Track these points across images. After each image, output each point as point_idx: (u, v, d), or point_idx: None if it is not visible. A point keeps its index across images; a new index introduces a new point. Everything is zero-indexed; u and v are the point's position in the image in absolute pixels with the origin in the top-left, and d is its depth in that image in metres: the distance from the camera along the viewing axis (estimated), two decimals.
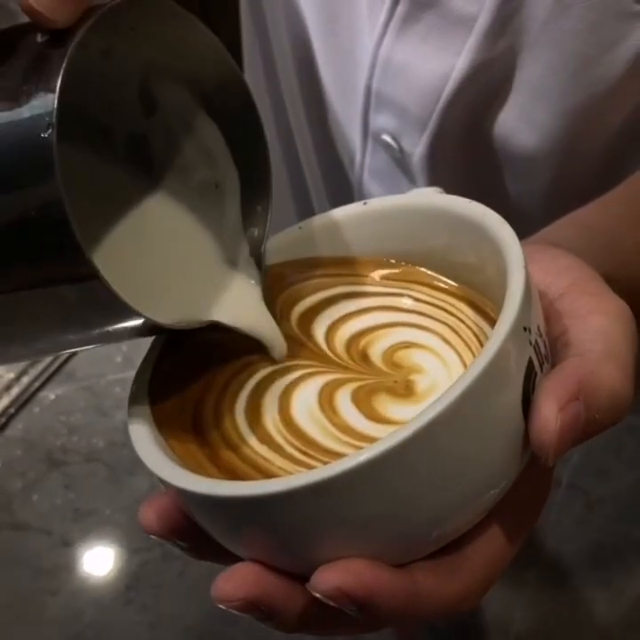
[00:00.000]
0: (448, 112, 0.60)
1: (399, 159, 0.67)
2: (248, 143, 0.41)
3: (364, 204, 0.43)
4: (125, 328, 0.34)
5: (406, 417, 0.36)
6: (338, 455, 0.35)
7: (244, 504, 0.32)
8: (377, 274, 0.44)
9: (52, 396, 0.79)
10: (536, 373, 0.34)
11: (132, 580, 0.65)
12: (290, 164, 0.84)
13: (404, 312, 0.42)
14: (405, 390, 0.37)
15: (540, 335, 0.35)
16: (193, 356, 0.40)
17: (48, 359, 0.81)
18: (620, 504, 0.65)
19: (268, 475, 0.35)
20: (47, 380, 0.80)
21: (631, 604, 0.60)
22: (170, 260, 0.40)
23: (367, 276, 0.44)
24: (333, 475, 0.30)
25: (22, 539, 0.69)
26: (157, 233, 0.40)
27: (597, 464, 0.67)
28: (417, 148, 0.64)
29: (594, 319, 0.37)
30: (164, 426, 0.37)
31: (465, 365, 0.38)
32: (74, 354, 0.82)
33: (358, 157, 0.71)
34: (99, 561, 0.67)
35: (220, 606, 0.33)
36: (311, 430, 0.37)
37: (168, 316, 0.35)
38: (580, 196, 0.54)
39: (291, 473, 0.35)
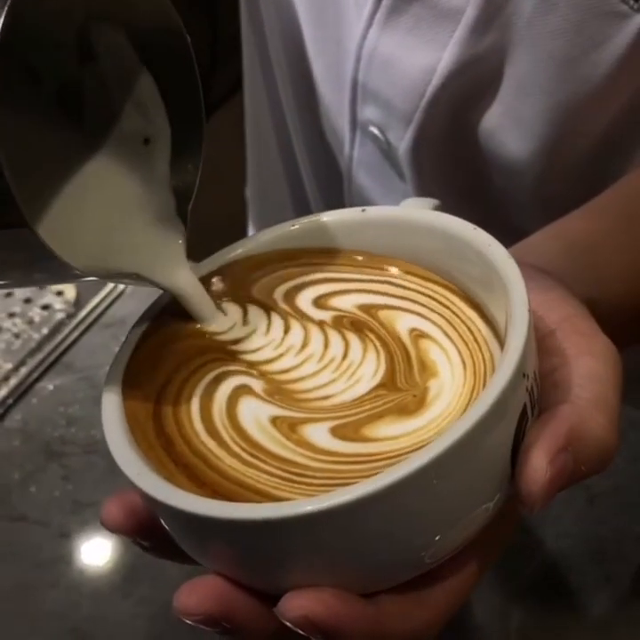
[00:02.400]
0: (433, 107, 0.60)
1: (386, 151, 0.67)
2: (183, 98, 0.40)
3: (363, 211, 0.43)
4: (46, 271, 0.35)
5: (394, 433, 0.35)
6: (289, 462, 0.34)
7: (217, 525, 0.31)
8: (364, 262, 0.43)
9: (51, 387, 0.79)
10: (527, 418, 0.34)
11: (130, 573, 0.65)
12: (284, 153, 0.84)
13: (397, 298, 0.42)
14: (417, 405, 0.36)
15: (535, 379, 0.35)
16: (171, 342, 0.40)
17: (47, 350, 0.81)
18: (621, 498, 0.64)
19: (218, 472, 0.34)
20: (45, 371, 0.80)
21: (632, 599, 0.60)
22: (95, 212, 0.40)
23: (353, 265, 0.43)
24: (313, 511, 0.30)
25: (20, 530, 0.68)
26: (85, 184, 0.40)
27: None
28: (402, 142, 0.64)
29: (584, 362, 0.37)
30: (131, 413, 0.37)
31: (464, 365, 0.37)
32: (72, 344, 0.81)
33: (347, 148, 0.71)
34: (97, 553, 0.67)
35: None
36: (256, 435, 0.36)
37: (85, 263, 0.34)
38: (565, 194, 0.54)
39: (241, 473, 0.34)
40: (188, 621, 0.33)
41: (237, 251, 0.44)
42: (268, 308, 0.42)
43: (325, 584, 0.32)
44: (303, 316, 0.41)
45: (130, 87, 0.41)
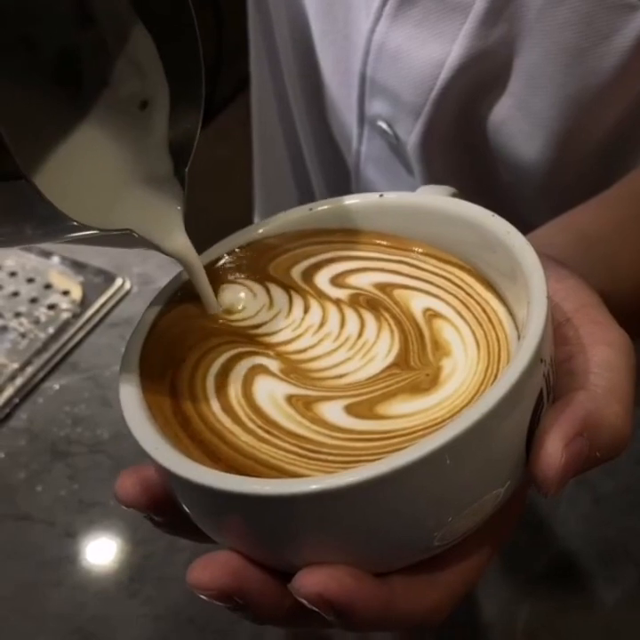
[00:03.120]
0: (442, 100, 0.60)
1: (395, 146, 0.67)
2: (181, 56, 0.40)
3: (381, 196, 0.43)
4: (39, 224, 0.34)
5: (407, 411, 0.35)
6: (304, 439, 0.35)
7: (231, 498, 0.32)
8: (382, 242, 0.44)
9: (57, 387, 0.79)
10: (543, 404, 0.34)
11: (135, 572, 0.65)
12: (291, 149, 0.84)
13: (412, 278, 0.42)
14: (430, 383, 0.36)
15: (552, 366, 0.35)
16: (188, 321, 0.40)
17: (53, 350, 0.81)
18: (627, 499, 0.64)
19: (234, 448, 0.35)
20: (51, 371, 0.80)
21: (638, 600, 0.60)
22: (92, 173, 0.39)
23: (371, 244, 0.44)
24: (333, 487, 0.30)
25: (26, 530, 0.68)
26: (82, 146, 0.39)
27: None
28: (411, 136, 0.64)
29: (599, 351, 0.37)
30: (148, 389, 0.37)
31: (478, 345, 0.38)
32: (78, 344, 0.82)
33: (355, 143, 0.71)
34: (103, 552, 0.67)
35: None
36: (271, 412, 0.37)
37: (80, 217, 0.34)
38: (574, 187, 0.54)
39: (257, 449, 0.35)
40: (202, 596, 0.33)
41: (256, 231, 0.44)
42: (286, 287, 0.42)
43: (337, 562, 0.33)
44: (321, 295, 0.42)
45: (127, 48, 0.40)
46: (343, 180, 0.77)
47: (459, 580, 0.36)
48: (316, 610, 0.32)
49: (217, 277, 0.42)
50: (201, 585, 0.33)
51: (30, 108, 0.38)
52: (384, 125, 0.66)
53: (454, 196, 0.43)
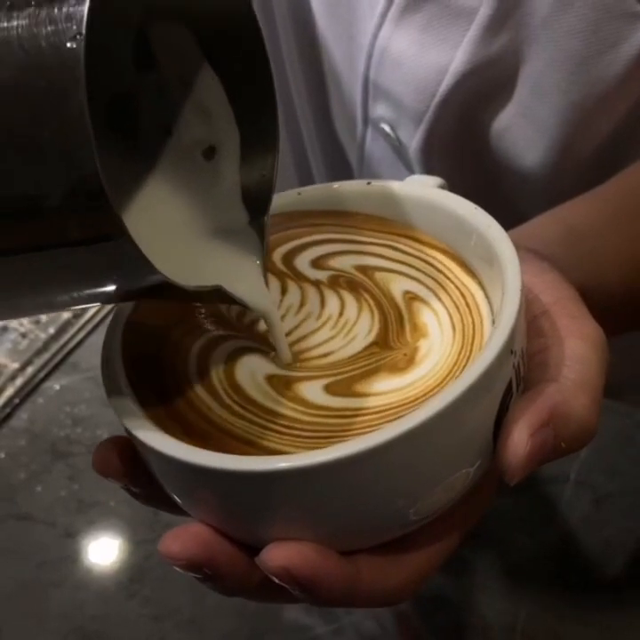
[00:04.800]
0: (444, 107, 0.60)
1: (397, 148, 0.67)
2: (254, 101, 0.37)
3: (368, 183, 0.44)
4: (140, 289, 0.32)
5: (384, 389, 0.36)
6: (279, 415, 0.35)
7: (202, 473, 0.32)
8: (366, 226, 0.44)
9: (57, 387, 0.79)
10: (512, 394, 0.35)
11: (135, 573, 0.65)
12: (295, 149, 0.84)
13: (394, 262, 0.42)
14: (407, 363, 0.37)
15: (522, 357, 0.36)
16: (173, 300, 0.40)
17: (53, 350, 0.81)
18: (628, 501, 0.64)
19: (208, 421, 0.35)
20: (52, 371, 0.80)
21: (638, 602, 0.60)
22: (166, 226, 0.37)
23: (355, 227, 0.44)
24: (301, 466, 0.31)
25: (26, 530, 0.68)
26: (151, 198, 0.37)
27: (606, 461, 0.66)
28: (413, 140, 0.64)
29: (572, 344, 0.38)
30: (129, 359, 0.37)
31: (454, 328, 0.38)
32: (79, 344, 0.82)
33: (358, 144, 0.71)
34: (102, 553, 0.67)
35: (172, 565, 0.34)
36: (250, 390, 0.37)
37: (172, 275, 0.32)
38: (574, 192, 0.54)
39: (231, 423, 0.35)
40: (176, 567, 0.34)
41: None
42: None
43: (308, 539, 0.33)
44: (300, 277, 0.42)
45: (191, 91, 0.37)
46: (346, 179, 0.77)
47: (424, 562, 0.37)
48: (282, 584, 0.33)
49: None
50: (171, 554, 0.34)
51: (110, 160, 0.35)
52: (387, 128, 0.66)
53: (442, 187, 0.43)
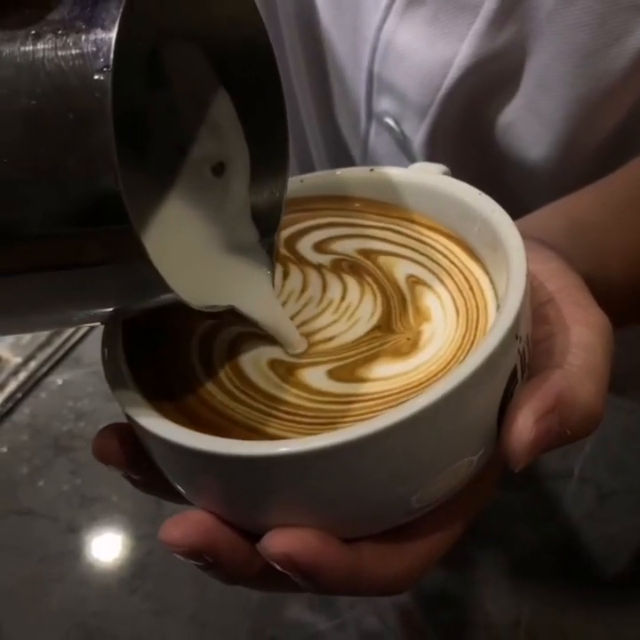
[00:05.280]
0: (449, 101, 0.60)
1: (402, 142, 0.67)
2: (265, 120, 0.38)
3: (371, 170, 0.44)
4: (152, 305, 0.33)
5: (387, 374, 0.36)
6: (281, 401, 0.35)
7: (205, 458, 0.32)
8: (369, 210, 0.44)
9: (60, 382, 0.79)
10: (517, 381, 0.35)
11: (137, 568, 0.65)
12: (297, 144, 0.84)
13: (397, 245, 0.42)
14: (410, 347, 0.37)
15: (528, 343, 0.36)
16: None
17: (56, 344, 0.81)
18: (632, 498, 0.64)
19: (209, 407, 0.35)
20: (54, 365, 0.80)
21: None
22: (177, 244, 0.37)
23: (358, 211, 0.44)
24: (303, 451, 0.31)
25: (28, 525, 0.68)
26: (162, 216, 0.37)
27: (610, 456, 0.66)
28: (417, 134, 0.64)
29: (578, 331, 0.37)
30: (131, 346, 0.37)
31: (457, 312, 0.38)
32: (81, 339, 0.82)
33: (362, 138, 0.71)
34: (105, 548, 0.67)
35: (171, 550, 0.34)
36: (252, 375, 0.37)
37: (186, 295, 0.32)
38: (578, 184, 0.54)
39: (232, 409, 0.35)
40: (177, 555, 0.34)
41: None
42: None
43: (309, 526, 0.33)
44: (302, 261, 0.42)
45: (203, 108, 0.38)
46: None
47: (427, 550, 0.37)
48: (283, 570, 0.33)
49: None
50: (172, 541, 0.34)
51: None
52: (391, 122, 0.66)
53: (446, 174, 0.43)
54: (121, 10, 0.27)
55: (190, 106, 0.38)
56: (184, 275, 0.35)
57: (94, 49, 0.26)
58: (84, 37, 0.27)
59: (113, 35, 0.26)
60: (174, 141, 0.38)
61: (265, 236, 0.39)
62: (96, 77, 0.26)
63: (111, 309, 0.33)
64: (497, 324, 0.33)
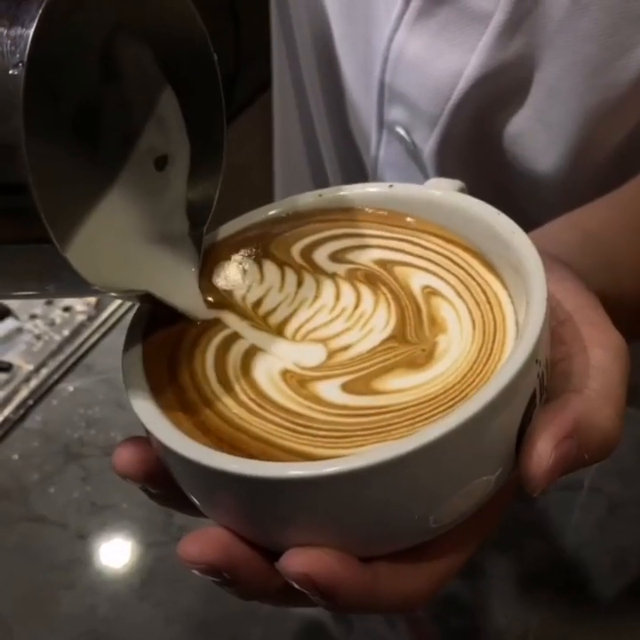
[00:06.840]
0: (459, 111, 0.60)
1: (412, 152, 0.67)
2: (204, 115, 0.40)
3: (390, 186, 0.44)
4: (60, 283, 0.34)
5: (402, 386, 0.36)
6: (296, 414, 0.35)
7: (224, 477, 0.32)
8: (387, 222, 0.44)
9: (71, 389, 0.79)
10: (536, 404, 0.35)
11: (147, 575, 0.65)
12: (311, 153, 0.85)
13: (414, 256, 0.42)
14: (425, 359, 0.37)
15: (546, 367, 0.36)
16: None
17: (68, 352, 0.81)
18: None
19: (224, 419, 0.35)
20: (66, 373, 0.80)
21: None
22: (110, 231, 0.39)
23: (376, 222, 0.44)
24: (319, 474, 0.31)
25: (38, 531, 0.68)
26: (100, 203, 0.39)
27: (620, 467, 0.66)
28: (427, 144, 0.64)
29: (594, 353, 0.38)
30: (148, 358, 0.38)
31: (474, 324, 0.38)
32: (93, 346, 0.82)
33: (373, 147, 0.72)
34: (115, 555, 0.67)
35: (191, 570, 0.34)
36: (267, 387, 0.37)
37: (100, 280, 0.34)
38: (588, 197, 0.54)
39: (247, 421, 0.35)
40: (194, 571, 0.34)
41: (265, 213, 0.45)
42: (282, 263, 0.42)
43: (328, 545, 0.33)
44: (317, 270, 0.42)
45: (150, 103, 0.40)
46: (362, 181, 0.77)
47: (442, 569, 0.37)
48: (301, 589, 0.33)
49: (218, 256, 0.43)
50: (190, 558, 0.34)
51: (52, 166, 0.37)
52: (402, 132, 0.66)
53: (462, 190, 0.43)
54: (40, 10, 0.28)
55: (139, 100, 0.40)
56: (104, 259, 0.37)
57: (13, 46, 0.28)
58: (5, 34, 0.29)
59: (30, 32, 0.28)
60: (123, 133, 0.40)
61: (195, 228, 0.41)
62: (11, 72, 0.28)
63: (51, 286, 0.35)
64: (517, 349, 0.33)
